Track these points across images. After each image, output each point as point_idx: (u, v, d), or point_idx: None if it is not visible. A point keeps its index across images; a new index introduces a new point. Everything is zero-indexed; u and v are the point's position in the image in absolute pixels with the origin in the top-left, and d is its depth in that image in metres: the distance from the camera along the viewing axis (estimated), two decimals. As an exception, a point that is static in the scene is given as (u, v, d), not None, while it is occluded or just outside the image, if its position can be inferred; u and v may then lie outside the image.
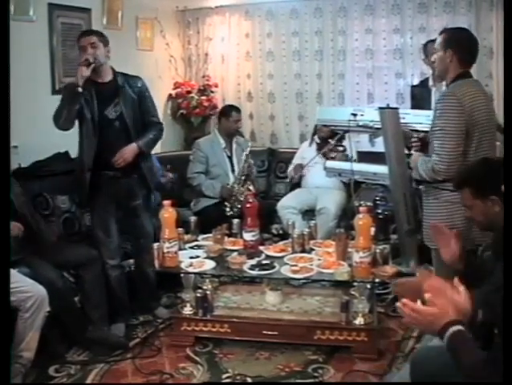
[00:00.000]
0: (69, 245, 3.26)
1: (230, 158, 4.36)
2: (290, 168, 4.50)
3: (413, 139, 3.00)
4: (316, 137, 4.41)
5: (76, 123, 3.11)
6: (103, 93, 3.11)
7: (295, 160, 4.50)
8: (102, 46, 3.09)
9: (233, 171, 4.32)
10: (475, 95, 2.53)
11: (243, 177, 4.19)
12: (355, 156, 3.99)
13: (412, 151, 2.96)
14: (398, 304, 1.66)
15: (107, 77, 3.15)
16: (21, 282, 2.65)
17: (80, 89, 2.97)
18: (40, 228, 3.10)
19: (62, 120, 3.01)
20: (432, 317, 1.59)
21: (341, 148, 4.05)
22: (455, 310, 1.59)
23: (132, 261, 3.50)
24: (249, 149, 4.26)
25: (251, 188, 4.13)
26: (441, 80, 3.13)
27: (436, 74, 2.85)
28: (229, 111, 4.44)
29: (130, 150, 3.13)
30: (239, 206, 3.96)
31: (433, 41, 3.27)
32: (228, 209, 4.06)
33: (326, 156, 4.03)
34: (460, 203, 2.31)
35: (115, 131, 3.14)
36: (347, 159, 3.81)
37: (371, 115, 3.20)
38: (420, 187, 2.77)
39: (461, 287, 1.69)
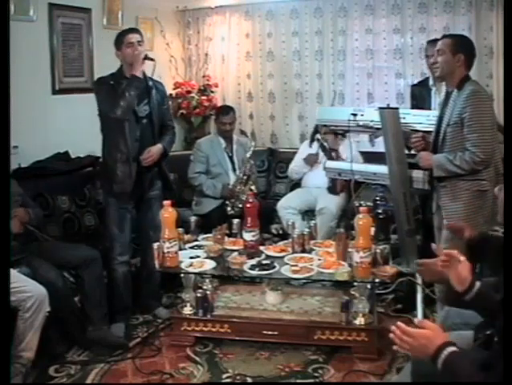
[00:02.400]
0: (68, 245, 3.25)
1: (231, 157, 4.35)
2: (291, 166, 4.48)
3: (414, 139, 3.02)
4: (319, 136, 4.38)
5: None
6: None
7: (296, 162, 4.49)
8: (143, 45, 3.24)
9: (234, 170, 4.30)
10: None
11: (245, 177, 4.18)
12: (357, 157, 4.01)
13: (418, 152, 3.00)
14: (393, 328, 1.61)
15: (140, 76, 3.23)
16: (21, 282, 2.65)
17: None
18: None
19: (122, 110, 3.08)
20: (426, 340, 1.54)
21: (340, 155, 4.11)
22: (457, 278, 1.60)
23: (136, 259, 3.49)
24: (252, 149, 4.25)
25: (253, 188, 4.12)
26: (442, 81, 3.14)
27: (438, 75, 2.92)
28: (220, 113, 4.42)
29: (157, 150, 3.26)
30: (240, 206, 3.96)
31: (435, 40, 3.28)
32: (229, 208, 4.06)
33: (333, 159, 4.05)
34: (489, 190, 2.67)
35: (143, 128, 3.23)
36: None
37: (371, 115, 3.19)
38: (441, 184, 2.86)
39: (462, 257, 1.73)
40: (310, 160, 4.33)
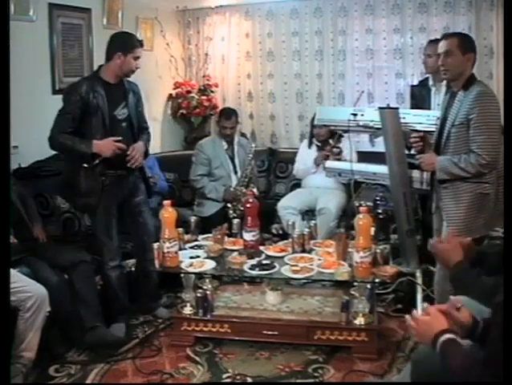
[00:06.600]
0: (59, 247, 3.22)
1: (232, 159, 4.33)
2: (297, 166, 4.47)
3: (413, 140, 3.02)
4: (314, 139, 4.38)
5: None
6: (113, 94, 3.14)
7: (298, 162, 4.48)
8: None
9: (235, 172, 4.29)
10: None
11: (247, 180, 4.17)
12: (354, 157, 4.00)
13: (418, 152, 2.98)
14: (407, 317, 1.72)
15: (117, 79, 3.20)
16: (21, 282, 2.65)
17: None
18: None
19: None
20: (426, 326, 1.62)
21: (337, 150, 4.07)
22: (451, 322, 1.61)
23: (132, 261, 3.49)
24: (253, 150, 4.23)
25: (255, 190, 4.09)
26: (442, 81, 3.13)
27: (448, 78, 2.83)
28: (221, 116, 4.36)
29: (140, 147, 3.19)
30: (242, 209, 3.95)
31: (436, 40, 3.26)
32: (231, 212, 4.05)
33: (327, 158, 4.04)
34: (491, 193, 2.67)
35: (123, 131, 3.17)
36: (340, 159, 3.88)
37: (371, 115, 3.19)
38: (443, 185, 2.84)
39: (460, 303, 1.71)
40: (319, 159, 4.23)
